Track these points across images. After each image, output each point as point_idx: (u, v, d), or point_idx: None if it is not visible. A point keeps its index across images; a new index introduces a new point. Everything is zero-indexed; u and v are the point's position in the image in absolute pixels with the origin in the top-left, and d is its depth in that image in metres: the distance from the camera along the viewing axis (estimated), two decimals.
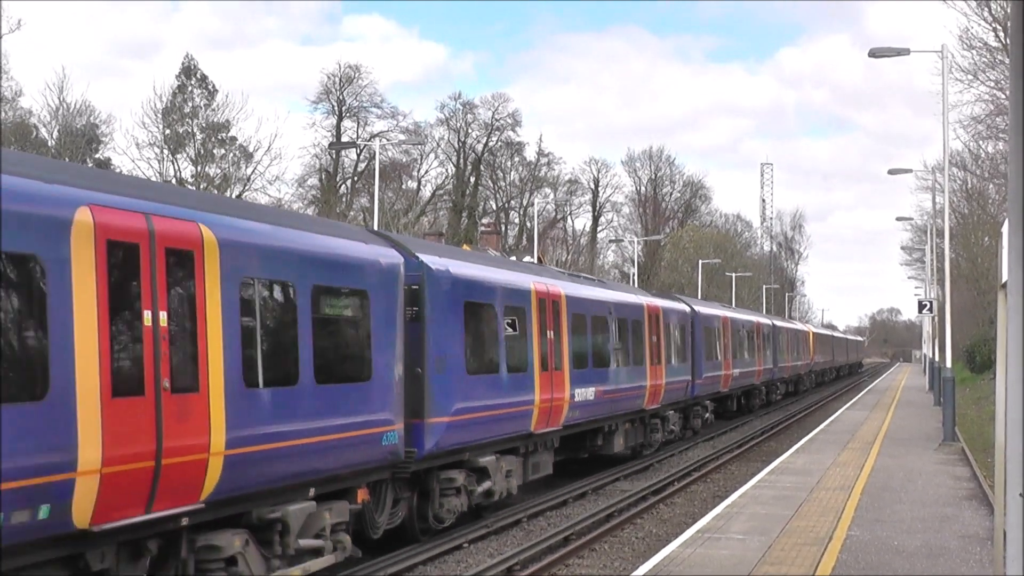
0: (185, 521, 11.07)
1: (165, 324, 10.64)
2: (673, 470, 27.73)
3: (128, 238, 10.28)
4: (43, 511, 9.20)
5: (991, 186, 51.89)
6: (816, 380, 77.57)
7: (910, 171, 48.08)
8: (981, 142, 45.53)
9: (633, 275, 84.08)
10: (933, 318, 59.18)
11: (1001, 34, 36.38)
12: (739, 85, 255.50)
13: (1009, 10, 33.76)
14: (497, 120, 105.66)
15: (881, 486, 21.35)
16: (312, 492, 13.29)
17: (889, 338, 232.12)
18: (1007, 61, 34.85)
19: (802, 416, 48.32)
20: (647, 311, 30.08)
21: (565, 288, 23.45)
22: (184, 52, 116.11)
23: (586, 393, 23.81)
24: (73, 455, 9.42)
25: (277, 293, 12.88)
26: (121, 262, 10.20)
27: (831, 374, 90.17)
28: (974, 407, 44.31)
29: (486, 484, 18.81)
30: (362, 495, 14.82)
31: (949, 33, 51.81)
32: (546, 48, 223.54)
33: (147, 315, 10.43)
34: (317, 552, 13.43)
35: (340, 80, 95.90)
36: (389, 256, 15.53)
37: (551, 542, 17.75)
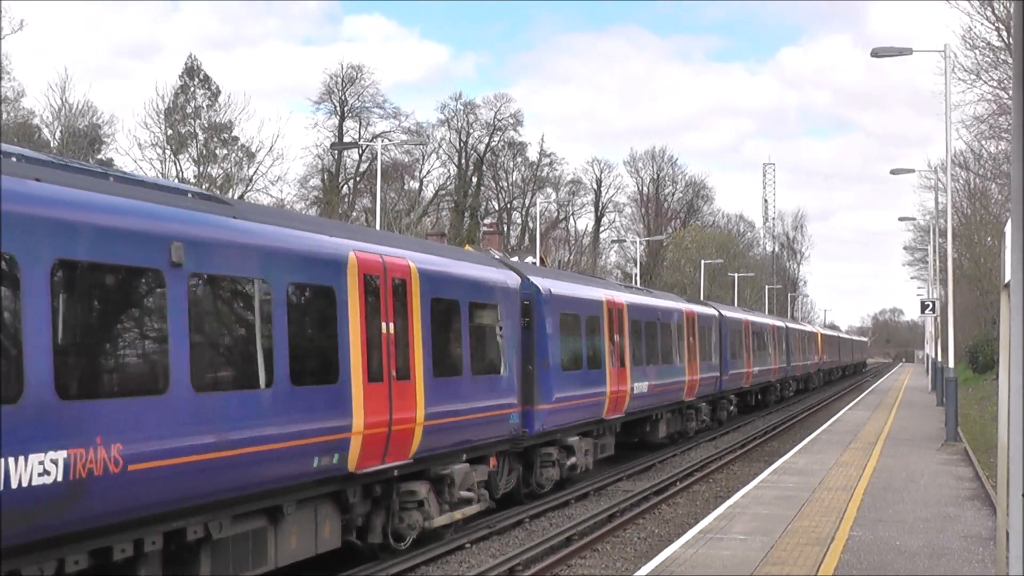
0: (396, 472, 15.34)
1: (392, 331, 15.16)
2: (675, 470, 27.71)
3: (373, 272, 14.79)
4: (336, 458, 13.54)
5: (993, 186, 51.86)
6: (824, 378, 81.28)
7: (912, 171, 48.07)
8: (984, 141, 45.47)
9: (635, 275, 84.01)
10: (936, 318, 59.12)
11: (1004, 33, 36.32)
12: (740, 86, 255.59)
13: (1012, 9, 33.71)
14: (499, 120, 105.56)
15: (883, 486, 21.34)
16: (465, 457, 17.76)
17: (891, 338, 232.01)
18: (1010, 61, 34.81)
19: (804, 416, 48.30)
20: (685, 316, 34.37)
21: (626, 299, 28.10)
22: (183, 53, 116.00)
23: (642, 386, 28.19)
24: (350, 421, 13.82)
25: (450, 309, 17.38)
26: (370, 289, 14.66)
27: (838, 373, 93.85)
28: (977, 407, 44.28)
29: (572, 459, 23.37)
30: (493, 462, 19.31)
31: (952, 33, 51.66)
32: (547, 49, 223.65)
33: (383, 325, 14.93)
34: (469, 502, 18.05)
35: (342, 80, 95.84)
36: (512, 278, 20.27)
37: (553, 542, 17.75)
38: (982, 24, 37.73)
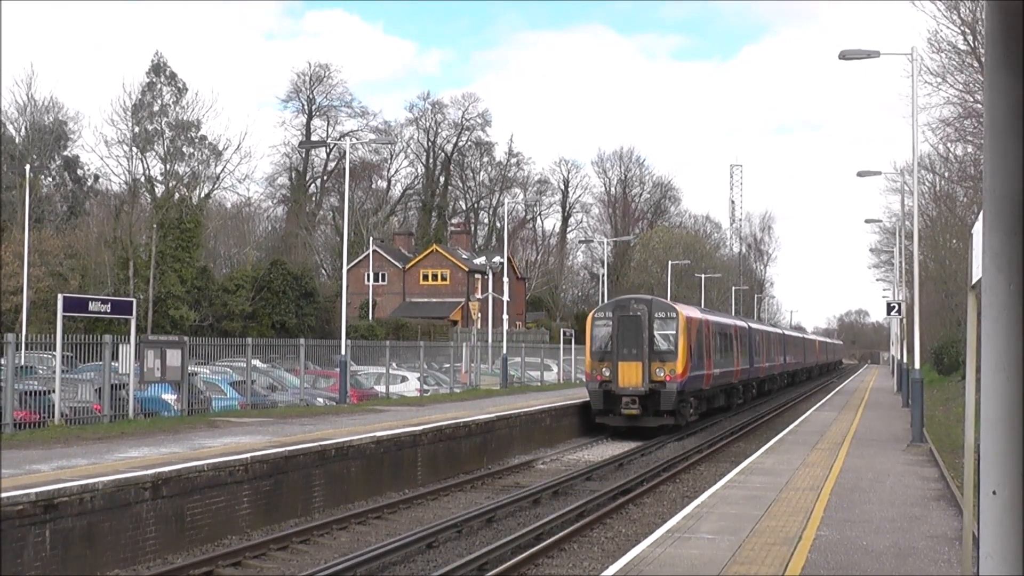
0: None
1: (702, 343, 41.85)
2: (642, 470, 27.77)
3: (701, 325, 42.64)
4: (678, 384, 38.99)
5: (959, 189, 52.27)
6: (817, 372, 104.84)
7: (879, 173, 48.44)
8: (949, 144, 45.85)
9: (603, 276, 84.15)
10: (901, 320, 59.63)
11: (970, 38, 36.61)
12: (706, 85, 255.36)
13: (979, 12, 33.95)
14: (467, 120, 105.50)
15: (850, 486, 21.44)
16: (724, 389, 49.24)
17: (857, 340, 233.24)
18: (975, 64, 35.07)
19: (771, 417, 48.57)
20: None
21: (757, 326, 64.14)
22: (144, 47, 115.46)
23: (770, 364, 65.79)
24: (704, 372, 42.25)
25: (719, 334, 46.34)
26: (697, 329, 41.51)
27: (824, 368, 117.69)
28: (942, 408, 44.59)
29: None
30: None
31: (918, 36, 52.20)
32: (511, 46, 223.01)
33: (707, 342, 43.31)
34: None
35: (310, 79, 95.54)
36: (742, 322, 55.72)
37: (521, 541, 17.74)
38: (948, 28, 38.02)
